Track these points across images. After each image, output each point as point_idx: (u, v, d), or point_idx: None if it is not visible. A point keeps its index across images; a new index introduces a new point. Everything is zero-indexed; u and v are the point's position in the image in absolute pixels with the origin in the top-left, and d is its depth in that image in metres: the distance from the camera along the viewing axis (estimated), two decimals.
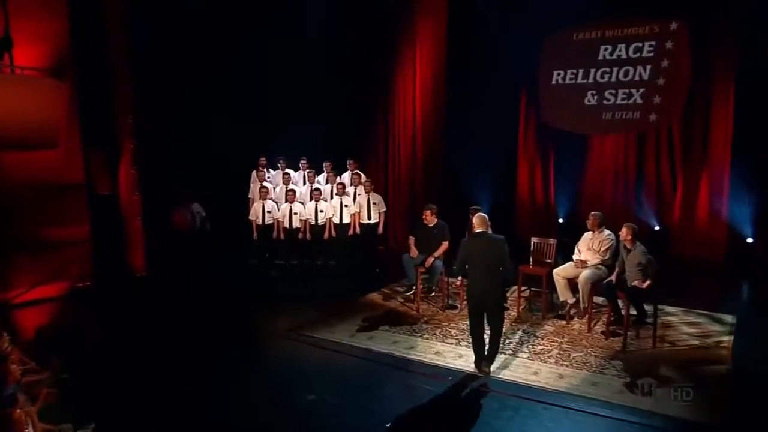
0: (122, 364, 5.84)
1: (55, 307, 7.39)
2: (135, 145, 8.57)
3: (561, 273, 6.77)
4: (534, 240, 7.48)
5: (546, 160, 10.17)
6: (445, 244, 7.29)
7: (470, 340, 5.72)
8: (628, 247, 6.21)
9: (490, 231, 5.68)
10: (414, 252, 7.48)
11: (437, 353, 6.01)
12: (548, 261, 7.23)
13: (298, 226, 9.08)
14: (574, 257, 6.77)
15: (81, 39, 7.82)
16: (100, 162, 8.30)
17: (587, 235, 6.80)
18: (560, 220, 10.09)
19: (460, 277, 6.57)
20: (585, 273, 6.52)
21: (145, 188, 8.74)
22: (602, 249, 6.61)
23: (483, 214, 5.67)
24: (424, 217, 7.53)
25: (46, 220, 7.75)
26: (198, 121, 9.29)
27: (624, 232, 6.20)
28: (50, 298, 7.56)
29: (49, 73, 7.45)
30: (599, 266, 6.57)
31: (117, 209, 8.52)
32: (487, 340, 5.62)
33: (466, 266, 5.55)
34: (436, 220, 7.44)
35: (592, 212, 6.83)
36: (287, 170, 9.76)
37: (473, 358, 5.67)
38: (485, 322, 5.59)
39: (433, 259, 7.22)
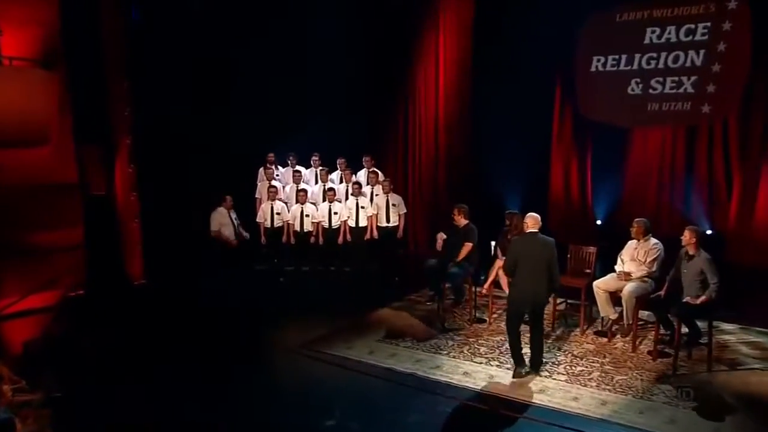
0: (119, 382, 5.82)
1: (44, 319, 7.40)
2: (132, 140, 8.58)
3: (602, 286, 6.65)
4: (571, 247, 7.37)
5: (583, 157, 10.07)
6: (467, 246, 7.21)
7: (500, 361, 5.71)
8: (691, 252, 6.03)
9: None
10: (439, 239, 7.49)
11: (465, 374, 5.94)
12: (587, 271, 7.11)
13: (310, 229, 9.10)
14: (617, 268, 6.66)
15: (73, 26, 7.81)
16: (95, 159, 8.33)
17: (631, 243, 6.68)
18: (597, 222, 9.99)
19: (486, 286, 7.02)
20: (629, 286, 6.40)
21: (144, 188, 8.75)
22: (648, 259, 6.48)
23: (536, 214, 5.92)
24: (452, 216, 7.48)
25: (35, 224, 7.73)
26: (201, 115, 9.30)
27: (687, 235, 6.05)
28: (39, 308, 7.57)
29: (39, 64, 7.46)
30: (645, 279, 6.46)
31: (113, 211, 8.55)
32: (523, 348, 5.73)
33: (515, 266, 5.79)
34: (465, 221, 7.37)
35: (637, 219, 6.70)
36: (298, 167, 9.76)
37: (506, 379, 5.62)
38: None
39: (452, 264, 7.17)
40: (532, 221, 5.85)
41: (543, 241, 5.76)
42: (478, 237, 7.36)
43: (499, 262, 7.15)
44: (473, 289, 7.37)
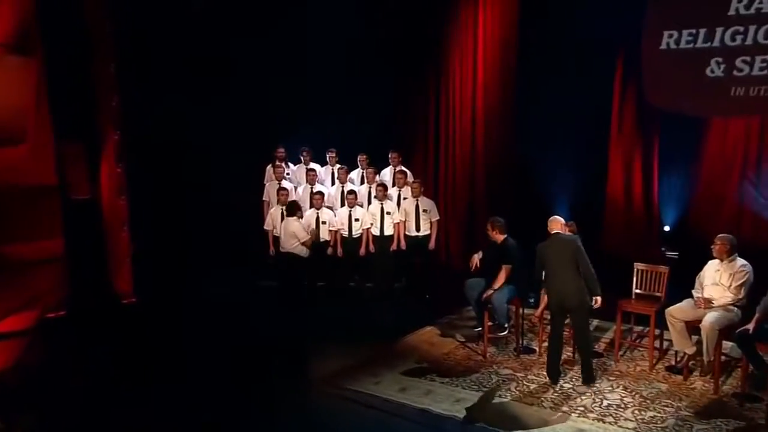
0: (107, 420, 5.80)
1: (19, 345, 7.32)
2: (120, 135, 8.55)
3: (677, 314, 6.51)
4: (639, 267, 7.28)
5: (648, 152, 9.85)
6: (505, 270, 7.15)
7: (555, 402, 5.78)
8: None
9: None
10: (473, 261, 7.53)
11: (514, 417, 5.86)
12: (657, 295, 7.03)
13: (327, 238, 9.11)
14: (695, 294, 6.54)
15: (51, 3, 7.73)
16: (77, 158, 8.28)
17: (712, 264, 6.53)
18: (665, 229, 9.84)
19: (538, 312, 7.15)
20: (710, 316, 6.23)
21: (134, 190, 8.73)
22: (734, 284, 6.32)
23: (557, 216, 6.70)
24: (486, 232, 7.47)
25: (7, 233, 7.61)
26: (200, 105, 9.29)
27: None
28: (13, 332, 7.45)
29: (12, 49, 7.38)
30: (730, 307, 6.31)
31: (98, 217, 8.51)
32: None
33: (543, 273, 6.59)
34: (502, 236, 7.32)
35: (720, 236, 6.54)
36: (312, 165, 9.77)
37: (564, 426, 5.62)
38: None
39: (491, 291, 7.12)
40: (555, 224, 6.62)
41: (565, 240, 6.52)
42: (524, 250, 7.26)
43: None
44: (520, 312, 7.31)
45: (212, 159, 9.67)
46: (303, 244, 8.77)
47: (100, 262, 8.49)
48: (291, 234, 8.74)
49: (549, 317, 6.78)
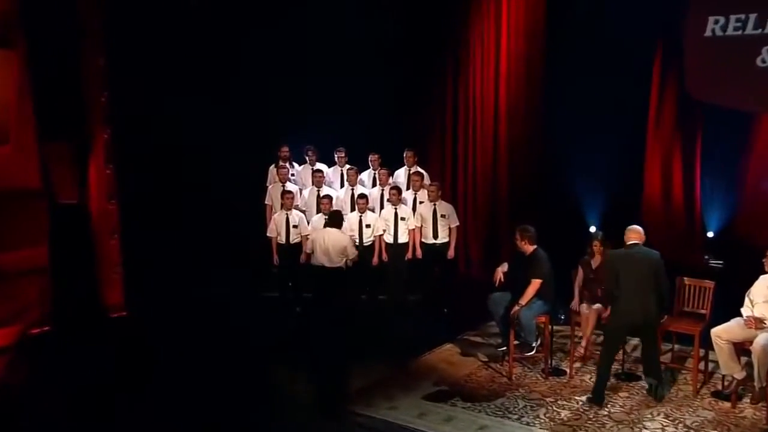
0: None
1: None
2: (111, 134, 8.40)
3: (724, 335, 6.40)
4: (680, 281, 7.22)
5: (689, 150, 9.79)
6: (534, 284, 7.07)
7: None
8: None
9: None
10: (497, 275, 7.46)
11: None
12: (702, 312, 6.97)
13: None
14: (744, 312, 6.43)
15: None
16: (63, 159, 8.16)
17: (765, 279, 6.44)
18: (708, 235, 9.75)
19: (584, 344, 7.34)
20: (763, 337, 6.13)
21: (125, 195, 8.60)
22: None
23: (636, 226, 6.67)
24: (514, 241, 7.42)
25: None
26: (197, 102, 9.31)
27: None
28: None
29: None
30: None
31: (86, 224, 8.39)
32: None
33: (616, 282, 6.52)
34: (531, 247, 7.26)
35: None
36: (319, 166, 9.76)
37: None
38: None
39: (518, 308, 7.05)
40: (633, 233, 6.61)
41: (647, 253, 6.52)
42: (555, 261, 7.24)
43: (590, 312, 7.26)
44: (549, 330, 7.25)
45: (211, 160, 9.68)
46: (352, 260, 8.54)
47: (88, 272, 8.34)
48: (340, 250, 8.35)
49: (604, 334, 6.90)
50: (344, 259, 8.42)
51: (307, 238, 8.96)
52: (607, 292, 6.86)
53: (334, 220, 8.53)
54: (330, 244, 8.33)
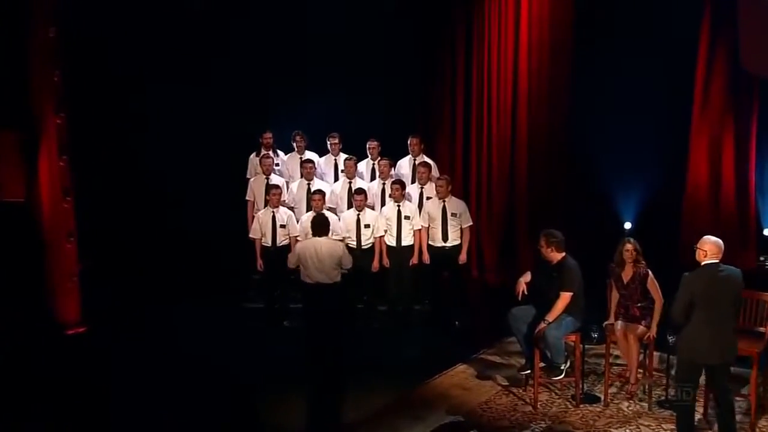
0: None
1: None
2: (64, 120, 8.45)
3: None
4: None
5: (743, 132, 9.66)
6: (564, 298, 6.97)
7: None
8: None
9: None
10: (520, 287, 7.36)
11: None
12: (761, 330, 6.80)
13: None
14: None
15: None
16: (8, 150, 8.24)
17: None
18: (765, 233, 9.66)
19: (633, 379, 6.97)
20: None
21: (82, 190, 8.68)
22: None
23: (714, 237, 5.98)
24: (539, 248, 7.30)
25: None
26: (165, 81, 9.33)
27: None
28: None
29: None
30: None
31: (36, 225, 8.44)
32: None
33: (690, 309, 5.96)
34: (559, 255, 7.14)
35: None
36: (308, 154, 9.72)
37: None
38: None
39: (545, 325, 6.97)
40: (711, 247, 5.93)
41: (728, 275, 5.90)
42: (585, 270, 7.11)
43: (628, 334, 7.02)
44: (580, 350, 7.12)
45: (181, 149, 9.65)
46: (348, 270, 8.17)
47: (38, 282, 8.41)
48: (334, 264, 7.83)
49: (676, 378, 6.29)
50: (339, 271, 8.05)
51: (297, 240, 8.88)
52: (673, 322, 6.25)
53: (320, 227, 8.02)
54: (325, 257, 7.85)
